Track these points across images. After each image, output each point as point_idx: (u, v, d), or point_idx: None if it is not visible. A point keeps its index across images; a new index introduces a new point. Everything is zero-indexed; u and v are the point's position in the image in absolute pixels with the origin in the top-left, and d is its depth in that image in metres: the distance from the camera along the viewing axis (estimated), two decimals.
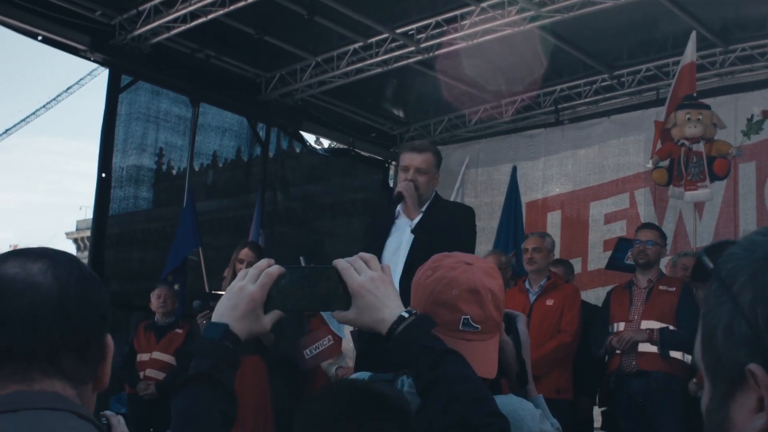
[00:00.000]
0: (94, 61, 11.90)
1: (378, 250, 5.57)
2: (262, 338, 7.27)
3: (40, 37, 11.12)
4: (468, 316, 2.38)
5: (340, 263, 2.17)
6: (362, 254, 2.23)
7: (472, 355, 2.23)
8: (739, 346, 1.04)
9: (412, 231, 5.66)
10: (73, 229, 58.74)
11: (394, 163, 15.34)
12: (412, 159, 5.89)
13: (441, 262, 2.48)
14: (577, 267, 11.46)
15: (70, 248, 57.45)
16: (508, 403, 2.28)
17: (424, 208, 5.80)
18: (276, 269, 2.17)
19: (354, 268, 2.17)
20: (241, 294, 2.14)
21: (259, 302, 2.14)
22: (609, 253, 10.51)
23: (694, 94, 9.15)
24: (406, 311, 2.14)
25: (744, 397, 1.04)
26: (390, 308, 2.14)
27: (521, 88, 13.26)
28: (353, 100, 14.13)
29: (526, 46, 11.53)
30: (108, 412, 3.38)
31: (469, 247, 5.79)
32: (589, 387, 8.30)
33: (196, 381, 2.07)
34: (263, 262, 2.20)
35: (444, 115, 14.48)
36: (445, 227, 5.56)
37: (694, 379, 7.27)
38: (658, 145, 9.16)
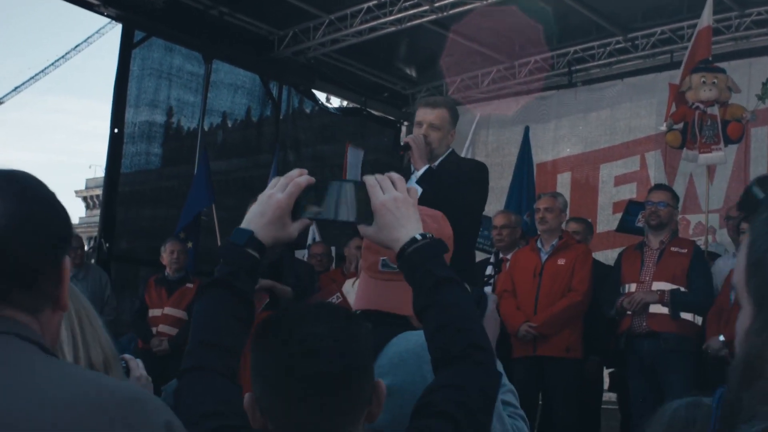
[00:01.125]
0: (107, 15, 11.89)
1: None
2: (278, 293, 7.35)
3: None
4: (386, 258, 2.45)
5: (369, 180, 2.24)
6: (392, 174, 2.28)
7: (390, 294, 2.30)
8: None
9: (417, 181, 5.54)
10: (83, 187, 58.84)
11: (406, 123, 15.34)
12: (425, 114, 5.84)
13: None
14: None
15: (79, 206, 57.53)
16: None
17: (436, 164, 5.73)
18: (305, 179, 2.23)
19: (381, 187, 2.23)
20: (269, 201, 2.21)
21: (285, 210, 2.21)
22: (618, 215, 10.53)
23: (710, 58, 9.11)
24: (421, 234, 2.18)
25: None
26: (406, 229, 2.18)
27: (535, 50, 13.22)
28: (366, 59, 14.10)
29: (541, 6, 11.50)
30: (127, 356, 3.44)
31: (478, 203, 5.80)
32: (599, 347, 8.32)
33: (216, 286, 2.15)
34: (294, 171, 2.26)
35: (456, 76, 14.43)
36: (455, 182, 5.52)
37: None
38: (673, 109, 9.13)
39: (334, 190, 2.24)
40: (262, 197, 2.24)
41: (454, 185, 5.46)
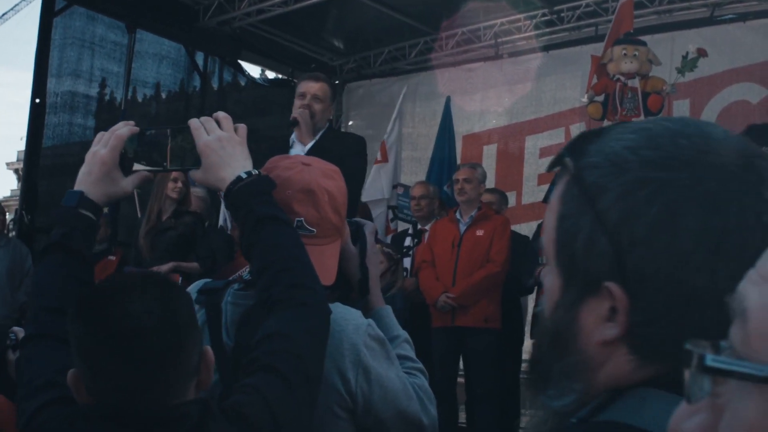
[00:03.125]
0: None
1: None
2: (186, 270, 7.32)
3: None
4: (302, 219, 2.28)
5: (193, 123, 2.17)
6: (218, 113, 2.21)
7: None
8: (599, 260, 1.06)
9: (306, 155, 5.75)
10: (14, 159, 57.95)
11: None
12: (309, 86, 6.11)
13: (277, 163, 2.38)
14: (512, 200, 11.53)
15: (11, 179, 56.73)
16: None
17: (318, 136, 5.97)
18: (126, 130, 2.17)
19: (205, 128, 2.16)
20: (94, 159, 2.16)
21: (110, 165, 2.15)
22: (544, 186, 10.59)
23: (632, 31, 9.18)
24: (246, 172, 2.12)
25: (596, 303, 1.07)
26: (232, 168, 2.13)
27: (461, 21, 13.22)
28: (293, 29, 13.96)
29: None
30: (16, 328, 3.37)
31: (360, 174, 6.13)
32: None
33: (52, 250, 2.09)
34: (119, 124, 2.19)
35: (384, 47, 14.40)
36: (339, 155, 5.66)
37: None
38: (594, 80, 9.19)
39: (160, 138, 2.18)
40: (87, 155, 2.17)
41: (340, 157, 5.56)
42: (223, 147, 2.14)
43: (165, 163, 2.22)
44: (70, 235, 2.10)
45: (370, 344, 2.25)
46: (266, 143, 15.50)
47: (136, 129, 2.18)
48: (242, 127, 2.22)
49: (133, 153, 2.17)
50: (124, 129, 2.17)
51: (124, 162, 2.17)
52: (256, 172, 2.15)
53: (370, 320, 2.32)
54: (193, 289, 2.38)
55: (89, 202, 2.13)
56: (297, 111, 6.01)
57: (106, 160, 2.14)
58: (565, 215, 1.12)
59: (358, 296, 2.48)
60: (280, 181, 2.27)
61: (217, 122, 2.19)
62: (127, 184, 2.19)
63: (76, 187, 2.15)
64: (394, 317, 2.52)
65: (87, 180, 2.15)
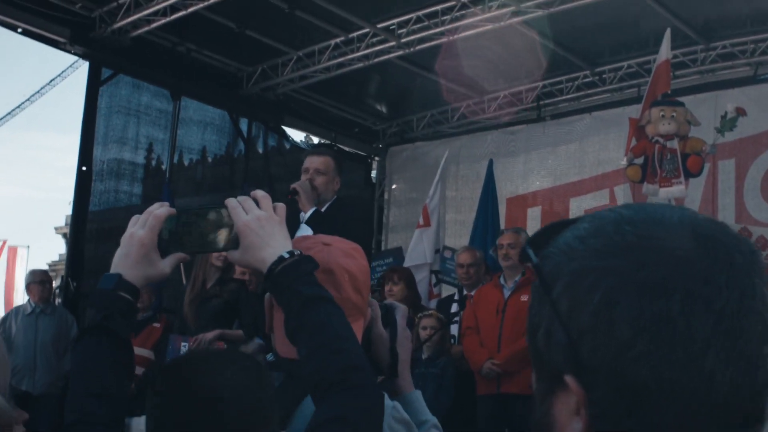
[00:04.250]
0: (74, 53, 11.87)
1: None
2: (230, 338, 7.31)
3: (19, 29, 11.06)
4: None
5: (231, 202, 2.12)
6: (256, 192, 2.17)
7: None
8: (557, 351, 1.05)
9: (306, 222, 5.93)
10: (63, 224, 58.47)
11: (377, 158, 15.33)
12: (311, 161, 6.34)
13: (299, 245, 2.30)
14: None
15: (59, 243, 57.23)
16: None
17: (324, 208, 6.13)
18: (164, 211, 2.13)
19: (243, 207, 2.11)
20: (132, 241, 2.11)
21: (149, 246, 2.10)
22: None
23: (669, 92, 9.15)
24: (288, 252, 2.06)
25: (565, 396, 1.06)
26: (273, 248, 2.07)
27: (503, 84, 13.29)
28: (335, 95, 14.11)
29: (509, 41, 11.54)
30: None
31: (365, 239, 6.18)
32: None
33: (90, 333, 2.05)
34: (155, 205, 2.16)
35: (427, 111, 14.48)
36: (343, 221, 5.88)
37: None
38: (633, 143, 9.16)
39: (198, 218, 2.15)
40: (124, 238, 2.13)
41: (342, 223, 5.79)
42: (263, 227, 2.09)
43: (203, 244, 2.18)
44: (109, 318, 2.06)
45: (395, 427, 2.22)
46: None
47: (173, 210, 2.14)
48: (281, 207, 2.17)
49: (168, 234, 2.13)
50: (161, 210, 2.13)
51: (161, 243, 2.12)
52: (298, 252, 2.09)
53: (396, 402, 2.29)
54: None
55: (127, 285, 2.08)
56: (297, 182, 6.20)
57: (145, 242, 2.10)
58: (531, 306, 1.13)
59: (387, 379, 2.44)
60: None
61: (255, 201, 2.14)
62: (166, 265, 2.13)
63: (113, 270, 2.10)
64: (424, 401, 2.48)
65: (125, 262, 2.10)
